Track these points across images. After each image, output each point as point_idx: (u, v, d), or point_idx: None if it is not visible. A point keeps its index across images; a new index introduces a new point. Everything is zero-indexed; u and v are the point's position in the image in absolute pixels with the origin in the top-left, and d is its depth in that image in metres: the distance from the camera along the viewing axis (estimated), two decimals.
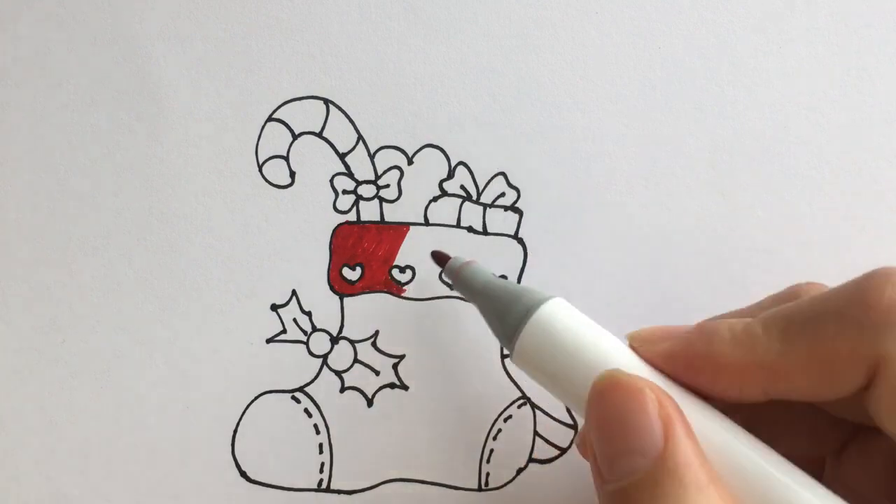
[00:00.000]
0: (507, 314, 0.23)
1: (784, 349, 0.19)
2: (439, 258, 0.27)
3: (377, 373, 0.28)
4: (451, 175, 0.29)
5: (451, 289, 0.28)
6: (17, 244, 0.28)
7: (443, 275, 0.27)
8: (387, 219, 0.28)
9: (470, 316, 0.28)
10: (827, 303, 0.19)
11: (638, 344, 0.22)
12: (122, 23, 0.28)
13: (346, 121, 0.28)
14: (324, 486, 0.28)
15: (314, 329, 0.28)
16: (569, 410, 0.28)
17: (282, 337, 0.28)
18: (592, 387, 0.19)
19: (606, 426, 0.19)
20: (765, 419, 0.21)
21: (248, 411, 0.28)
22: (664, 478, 0.18)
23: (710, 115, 0.29)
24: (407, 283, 0.28)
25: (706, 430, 0.19)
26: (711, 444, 0.19)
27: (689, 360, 0.20)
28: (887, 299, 0.18)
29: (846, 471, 0.22)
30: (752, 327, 0.20)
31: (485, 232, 0.29)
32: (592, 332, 0.21)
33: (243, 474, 0.28)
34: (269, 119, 0.28)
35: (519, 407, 0.28)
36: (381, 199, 0.28)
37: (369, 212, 0.28)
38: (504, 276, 0.28)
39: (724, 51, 0.29)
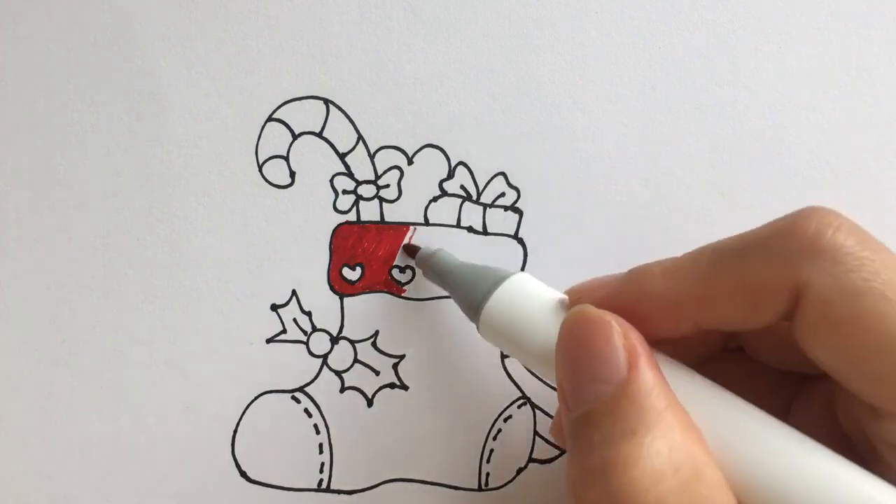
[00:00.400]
0: (475, 289, 0.24)
1: (711, 278, 0.20)
2: (409, 250, 0.28)
3: (377, 373, 0.28)
4: (451, 175, 0.29)
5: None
6: (17, 244, 0.28)
7: (415, 264, 0.28)
8: (387, 219, 0.28)
9: None
10: (754, 234, 0.20)
11: (575, 297, 0.22)
12: (122, 23, 0.28)
13: (346, 121, 0.28)
14: (324, 486, 0.28)
15: (314, 329, 0.28)
16: None
17: (282, 337, 0.28)
18: (562, 322, 0.20)
19: (574, 357, 0.20)
20: (717, 379, 0.21)
21: (248, 411, 0.28)
22: (625, 403, 0.18)
23: (710, 115, 0.29)
24: (407, 283, 0.28)
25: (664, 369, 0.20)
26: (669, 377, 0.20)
27: (624, 302, 0.21)
28: (812, 230, 0.19)
29: (798, 424, 0.23)
30: (681, 261, 0.21)
31: (485, 232, 0.29)
32: (553, 297, 0.23)
33: (243, 474, 0.28)
34: (269, 119, 0.28)
35: (519, 407, 0.28)
36: (381, 199, 0.28)
37: (369, 212, 0.28)
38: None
39: (724, 51, 0.29)
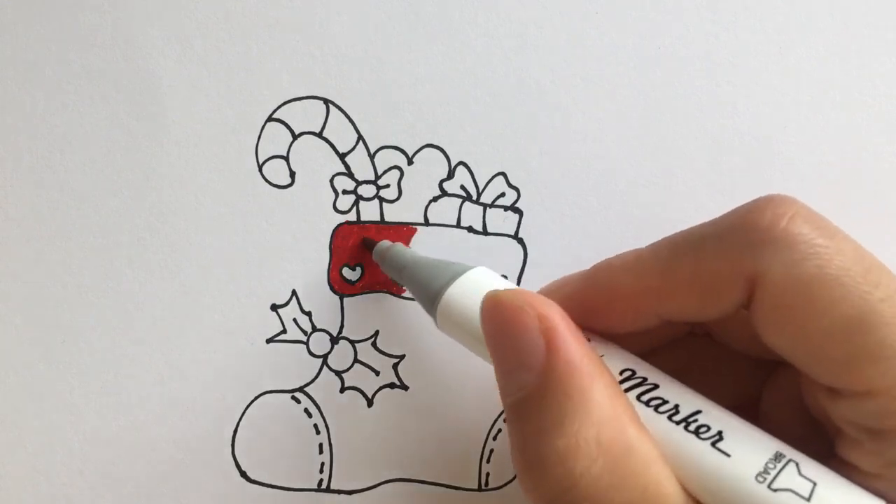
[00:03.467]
0: (432, 283, 0.24)
1: (670, 270, 0.20)
2: (368, 243, 0.28)
3: (377, 373, 0.28)
4: (451, 175, 0.29)
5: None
6: (17, 244, 0.28)
7: (373, 258, 0.28)
8: (387, 219, 0.28)
9: None
10: (711, 225, 0.20)
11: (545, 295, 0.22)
12: (122, 23, 0.28)
13: (346, 121, 0.28)
14: (324, 486, 0.28)
15: (314, 329, 0.28)
16: None
17: (282, 337, 0.28)
18: (480, 309, 0.20)
19: (495, 344, 0.20)
20: (688, 370, 0.22)
21: (248, 411, 0.28)
22: (548, 389, 0.18)
23: (710, 115, 0.29)
24: None
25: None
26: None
27: (588, 298, 0.21)
28: (767, 219, 0.19)
29: (766, 412, 0.23)
30: (642, 253, 0.21)
31: (485, 232, 0.29)
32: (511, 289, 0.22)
33: (243, 474, 0.28)
34: (269, 119, 0.28)
35: None
36: (381, 199, 0.28)
37: (369, 212, 0.28)
38: (504, 276, 0.28)
39: (724, 51, 0.29)
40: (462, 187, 0.29)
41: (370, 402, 0.28)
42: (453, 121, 0.28)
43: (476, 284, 0.23)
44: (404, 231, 0.28)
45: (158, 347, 0.28)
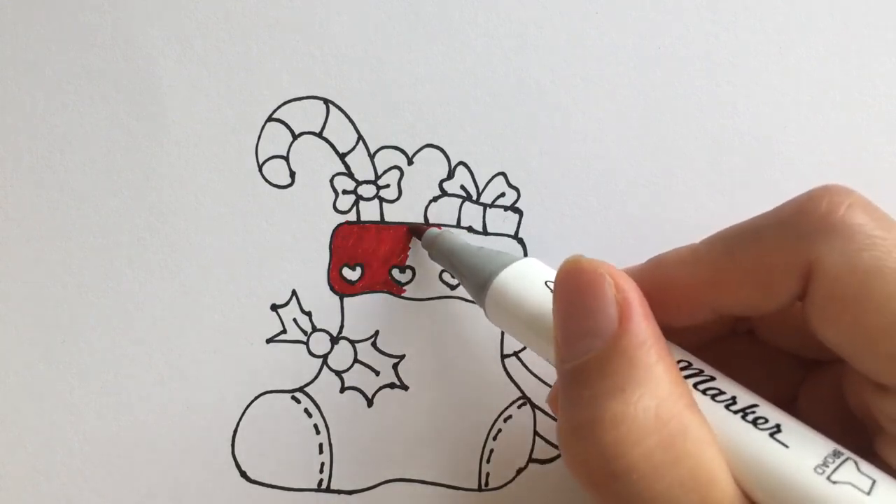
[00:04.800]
0: (483, 269, 0.24)
1: (725, 262, 0.20)
2: (416, 230, 0.28)
3: (377, 373, 0.28)
4: (451, 175, 0.29)
5: (452, 289, 0.28)
6: (17, 244, 0.28)
7: (421, 245, 0.28)
8: (387, 219, 0.28)
9: (470, 316, 0.28)
10: (767, 216, 0.20)
11: None
12: (122, 23, 0.28)
13: (346, 121, 0.28)
14: (324, 486, 0.28)
15: (314, 329, 0.28)
16: None
17: (282, 337, 0.28)
18: (557, 272, 0.20)
19: (566, 308, 0.20)
20: (727, 368, 0.21)
21: (248, 411, 0.28)
22: (615, 358, 0.18)
23: (710, 115, 0.29)
24: (407, 283, 0.28)
25: None
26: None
27: (644, 291, 0.21)
28: (823, 208, 0.19)
29: (805, 410, 0.23)
30: (697, 247, 0.21)
31: (485, 232, 0.29)
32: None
33: (243, 474, 0.28)
34: (269, 119, 0.28)
35: (519, 407, 0.28)
36: (381, 199, 0.28)
37: (369, 212, 0.28)
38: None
39: (724, 51, 0.29)
40: (462, 187, 0.29)
41: (370, 402, 0.28)
42: (453, 121, 0.28)
43: (527, 272, 0.23)
44: (404, 231, 0.28)
45: (158, 347, 0.28)
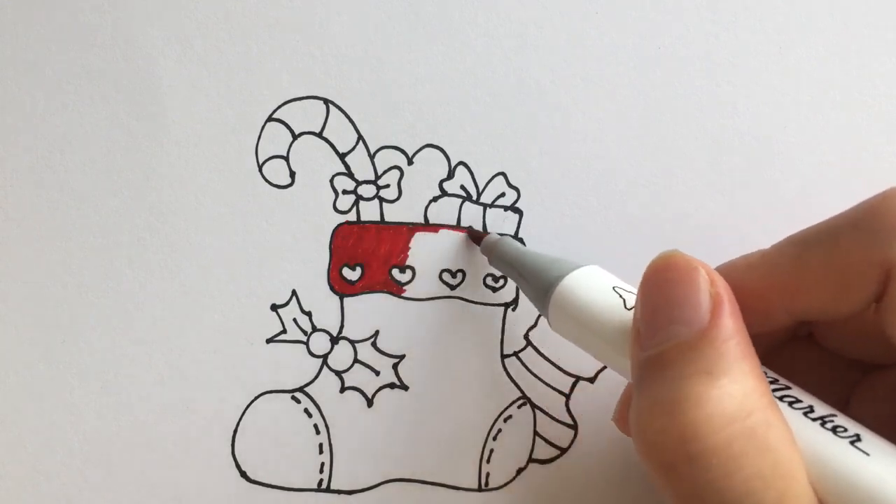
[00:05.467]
0: (547, 274, 0.24)
1: (800, 265, 0.20)
2: (475, 236, 0.28)
3: (377, 373, 0.28)
4: (451, 175, 0.29)
5: (452, 289, 0.28)
6: (17, 244, 0.28)
7: (480, 251, 0.28)
8: (387, 219, 0.28)
9: (470, 316, 0.28)
10: (839, 218, 0.20)
11: None
12: (122, 23, 0.28)
13: (346, 121, 0.28)
14: (324, 486, 0.28)
15: (314, 329, 0.28)
16: (569, 410, 0.28)
17: (282, 337, 0.28)
18: (650, 264, 0.20)
19: (656, 298, 0.19)
20: (781, 366, 0.21)
21: (248, 411, 0.28)
22: (704, 345, 0.18)
23: (710, 115, 0.29)
24: (407, 283, 0.28)
25: None
26: None
27: None
28: None
29: (858, 413, 0.22)
30: (767, 252, 0.21)
31: (485, 232, 0.29)
32: (625, 290, 0.22)
33: (243, 474, 0.28)
34: (269, 119, 0.28)
35: (519, 407, 0.28)
36: (381, 199, 0.28)
37: (369, 212, 0.28)
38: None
39: (724, 51, 0.29)
40: (462, 187, 0.29)
41: (370, 402, 0.28)
42: (453, 121, 0.28)
43: (591, 279, 0.23)
44: (404, 231, 0.28)
45: (158, 347, 0.28)
